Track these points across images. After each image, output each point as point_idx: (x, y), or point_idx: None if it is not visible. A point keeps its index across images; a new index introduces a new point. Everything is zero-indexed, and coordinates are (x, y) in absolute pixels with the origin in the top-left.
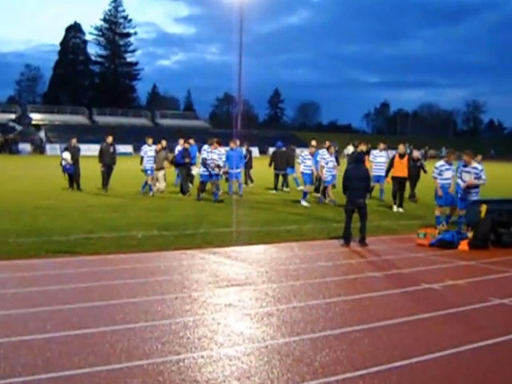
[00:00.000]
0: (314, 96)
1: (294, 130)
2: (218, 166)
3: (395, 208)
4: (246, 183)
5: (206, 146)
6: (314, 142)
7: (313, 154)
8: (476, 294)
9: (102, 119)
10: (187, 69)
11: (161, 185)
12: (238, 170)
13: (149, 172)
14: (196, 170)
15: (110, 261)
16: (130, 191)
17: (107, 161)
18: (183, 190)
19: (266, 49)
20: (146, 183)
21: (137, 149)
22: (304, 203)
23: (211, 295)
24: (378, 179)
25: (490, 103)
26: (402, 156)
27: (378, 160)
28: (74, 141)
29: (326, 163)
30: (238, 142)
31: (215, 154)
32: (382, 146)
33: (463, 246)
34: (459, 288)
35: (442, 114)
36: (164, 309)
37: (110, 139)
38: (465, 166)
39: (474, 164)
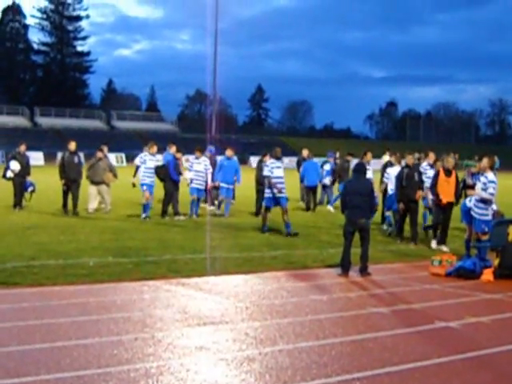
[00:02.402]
0: (306, 94)
1: (282, 135)
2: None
3: (434, 244)
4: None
5: (269, 160)
6: (417, 155)
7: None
8: (503, 334)
9: (45, 121)
10: (151, 60)
11: (93, 203)
12: (232, 186)
13: (145, 188)
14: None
15: (55, 294)
16: (79, 209)
17: (72, 175)
18: (165, 211)
19: (248, 36)
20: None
21: (88, 157)
22: None
23: (179, 336)
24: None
25: None
26: (448, 172)
27: (428, 174)
28: (22, 147)
29: None
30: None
31: (201, 164)
32: (432, 155)
33: (487, 275)
34: (482, 327)
35: (461, 115)
36: (121, 352)
37: (72, 146)
38: (482, 173)
39: (488, 172)
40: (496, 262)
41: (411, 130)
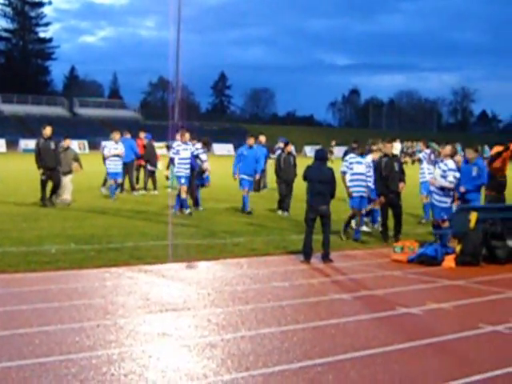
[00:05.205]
0: (269, 81)
1: (244, 122)
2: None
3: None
4: None
5: (348, 155)
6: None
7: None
8: (464, 320)
9: (7, 108)
10: (116, 47)
11: (66, 195)
12: (252, 178)
13: (183, 181)
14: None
15: (16, 281)
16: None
17: (50, 163)
18: (197, 203)
19: (213, 23)
20: (179, 198)
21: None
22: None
23: (141, 322)
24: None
25: (482, 91)
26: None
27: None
28: None
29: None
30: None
31: (204, 153)
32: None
33: (449, 262)
34: (444, 313)
35: (423, 103)
36: (83, 339)
37: (48, 131)
38: (442, 160)
39: (448, 160)
40: (458, 248)
41: (374, 118)
